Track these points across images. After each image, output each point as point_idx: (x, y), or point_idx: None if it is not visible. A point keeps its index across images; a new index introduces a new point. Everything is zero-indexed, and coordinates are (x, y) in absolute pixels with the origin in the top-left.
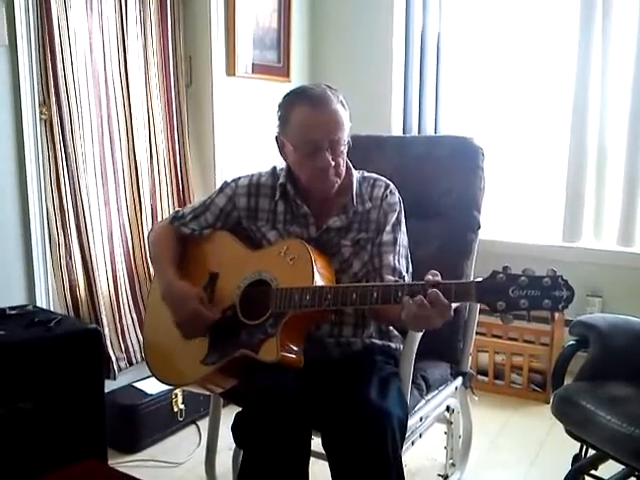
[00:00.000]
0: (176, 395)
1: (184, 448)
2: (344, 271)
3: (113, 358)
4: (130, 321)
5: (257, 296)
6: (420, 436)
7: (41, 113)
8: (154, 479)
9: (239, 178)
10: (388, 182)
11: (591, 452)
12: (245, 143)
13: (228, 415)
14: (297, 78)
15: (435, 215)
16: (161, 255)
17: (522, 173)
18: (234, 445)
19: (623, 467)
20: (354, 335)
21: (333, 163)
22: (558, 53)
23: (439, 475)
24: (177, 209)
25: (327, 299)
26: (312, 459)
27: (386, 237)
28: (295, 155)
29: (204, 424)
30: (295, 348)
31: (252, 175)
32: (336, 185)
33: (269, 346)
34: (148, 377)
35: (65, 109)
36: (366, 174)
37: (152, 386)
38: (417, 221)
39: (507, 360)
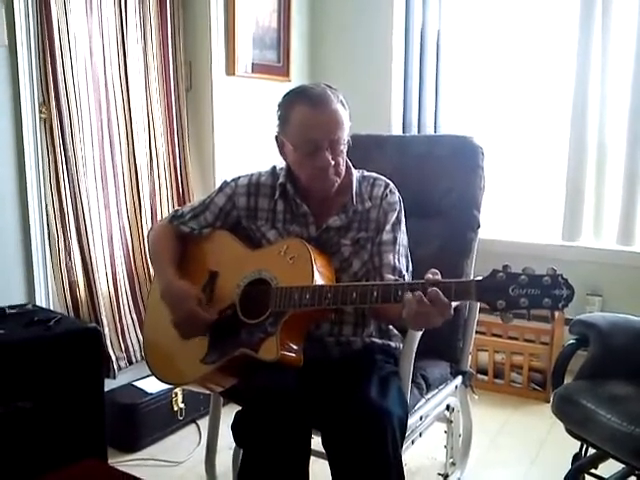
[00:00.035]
0: (176, 394)
1: (184, 447)
2: (344, 270)
3: (113, 357)
4: (130, 320)
5: (257, 295)
6: (420, 435)
7: (41, 112)
8: (154, 478)
9: (239, 177)
10: (388, 181)
11: (591, 451)
12: (245, 143)
13: (228, 414)
14: (297, 78)
15: (435, 214)
16: (161, 254)
17: (522, 172)
18: (234, 444)
19: (623, 466)
20: (354, 334)
21: (333, 162)
22: (558, 51)
23: (439, 474)
24: (176, 208)
25: (327, 298)
26: (312, 458)
27: (386, 236)
28: (295, 154)
29: (204, 423)
30: (295, 347)
31: (252, 174)
32: (336, 184)
33: (269, 345)
34: (148, 376)
35: (65, 112)
36: (366, 173)
37: (152, 385)
38: (417, 220)
39: (507, 359)
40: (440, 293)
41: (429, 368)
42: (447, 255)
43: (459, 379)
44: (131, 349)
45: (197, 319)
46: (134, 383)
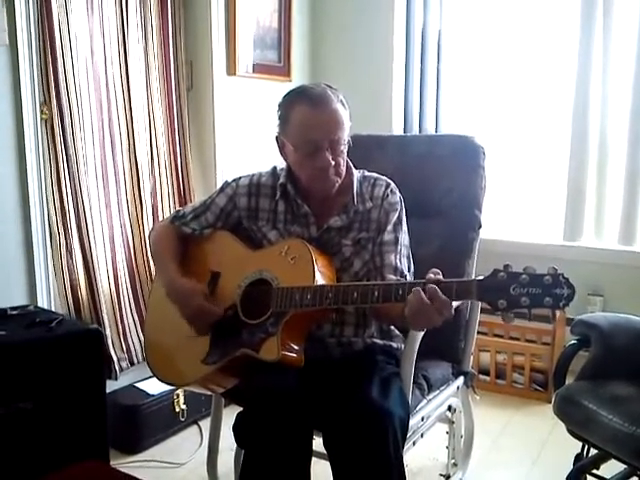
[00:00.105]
0: (178, 395)
1: (186, 448)
2: (345, 270)
3: (115, 358)
4: (131, 321)
5: (258, 295)
6: (422, 436)
7: (42, 112)
8: (156, 479)
9: (240, 178)
10: (389, 181)
11: (593, 452)
12: (246, 143)
13: (230, 415)
14: (298, 78)
15: (436, 214)
16: (162, 254)
17: (523, 172)
18: (236, 445)
19: (625, 466)
20: (355, 335)
21: (333, 163)
22: (559, 51)
23: (441, 475)
24: (178, 209)
25: (328, 298)
26: (313, 459)
27: (387, 236)
28: (295, 155)
29: (206, 424)
30: (296, 347)
31: (253, 175)
32: (336, 185)
33: (270, 345)
34: (150, 377)
35: (66, 112)
36: (366, 173)
37: (154, 386)
38: (418, 220)
39: (509, 359)
40: (438, 290)
41: (431, 369)
42: (448, 255)
43: (461, 380)
44: (133, 350)
45: (206, 313)
46: (136, 384)
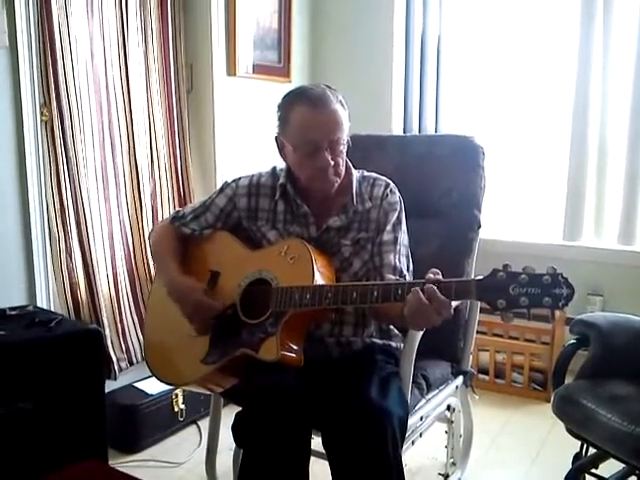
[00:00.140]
0: (177, 395)
1: (185, 448)
2: (344, 270)
3: (114, 358)
4: (131, 321)
5: (258, 295)
6: (421, 435)
7: (42, 114)
8: (155, 479)
9: (239, 178)
10: (388, 181)
11: (592, 451)
12: (245, 143)
13: (229, 415)
14: (297, 78)
15: (436, 214)
16: (163, 254)
17: (523, 172)
18: (234, 445)
19: (624, 466)
20: (354, 334)
21: (332, 163)
22: (559, 51)
23: (440, 474)
24: (177, 209)
25: (327, 298)
26: (312, 458)
27: (386, 236)
28: (295, 155)
29: (205, 424)
30: (295, 347)
31: (252, 175)
32: (336, 185)
33: (269, 345)
34: (149, 377)
35: (66, 114)
36: (366, 173)
37: (153, 386)
38: (418, 220)
39: (508, 359)
40: (437, 290)
41: (430, 368)
42: (448, 255)
43: (460, 379)
44: (132, 350)
45: (205, 309)
46: (135, 384)
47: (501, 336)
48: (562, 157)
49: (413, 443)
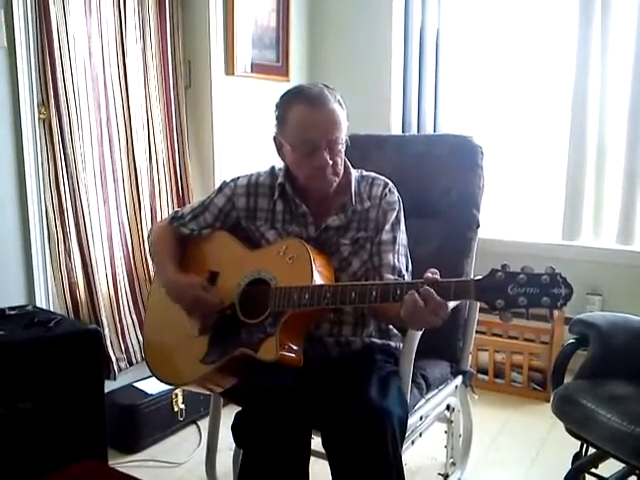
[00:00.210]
0: (176, 395)
1: (184, 448)
2: (343, 270)
3: (113, 358)
4: (130, 321)
5: (256, 295)
6: (420, 435)
7: (40, 113)
8: (154, 479)
9: (238, 178)
10: (387, 181)
11: (591, 451)
12: (244, 142)
13: (228, 415)
14: (296, 77)
15: (434, 214)
16: (162, 254)
17: (521, 171)
18: (234, 445)
19: (623, 465)
20: (354, 334)
21: (331, 162)
22: (557, 50)
23: (439, 474)
24: (176, 209)
25: (326, 298)
26: (312, 458)
27: (385, 236)
28: (293, 155)
29: (204, 424)
30: (294, 347)
31: (251, 175)
32: (334, 184)
33: (268, 345)
34: (148, 377)
35: (64, 112)
36: (364, 173)
37: (152, 386)
38: (416, 220)
39: (507, 359)
40: (433, 292)
41: (429, 368)
42: (447, 255)
43: (459, 379)
44: (131, 350)
45: (203, 304)
46: (134, 384)
47: (500, 336)
48: (561, 157)
49: (413, 443)
